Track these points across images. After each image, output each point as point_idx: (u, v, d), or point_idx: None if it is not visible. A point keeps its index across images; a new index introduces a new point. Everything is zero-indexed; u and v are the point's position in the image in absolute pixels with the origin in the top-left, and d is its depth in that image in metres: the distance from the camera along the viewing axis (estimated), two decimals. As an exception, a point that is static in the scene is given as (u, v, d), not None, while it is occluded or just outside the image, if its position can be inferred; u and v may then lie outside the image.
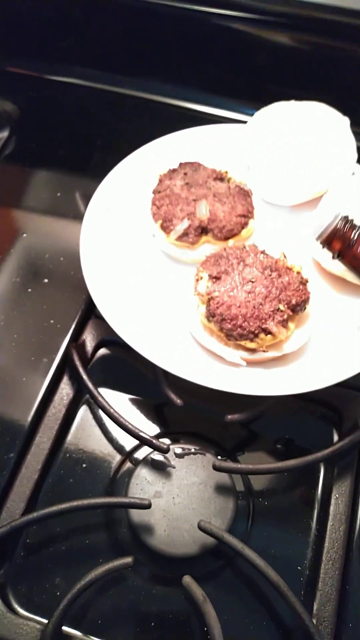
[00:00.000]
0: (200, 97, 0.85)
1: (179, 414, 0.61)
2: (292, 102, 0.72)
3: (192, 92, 0.86)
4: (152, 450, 0.56)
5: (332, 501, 0.55)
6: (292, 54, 0.79)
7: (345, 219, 0.43)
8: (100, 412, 0.60)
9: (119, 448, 0.59)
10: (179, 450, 0.57)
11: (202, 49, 0.83)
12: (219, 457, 0.57)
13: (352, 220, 0.43)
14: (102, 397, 0.57)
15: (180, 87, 0.86)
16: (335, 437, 0.60)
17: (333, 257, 0.44)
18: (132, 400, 0.63)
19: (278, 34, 0.78)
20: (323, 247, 0.45)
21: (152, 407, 0.63)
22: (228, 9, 0.78)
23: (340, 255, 0.44)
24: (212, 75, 0.85)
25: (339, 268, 0.62)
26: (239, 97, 0.84)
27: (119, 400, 0.62)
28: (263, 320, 0.55)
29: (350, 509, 0.55)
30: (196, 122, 0.77)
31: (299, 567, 0.54)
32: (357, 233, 0.42)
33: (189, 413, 0.61)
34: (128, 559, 0.49)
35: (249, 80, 0.84)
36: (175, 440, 0.59)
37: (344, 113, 0.71)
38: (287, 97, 0.75)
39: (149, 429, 0.60)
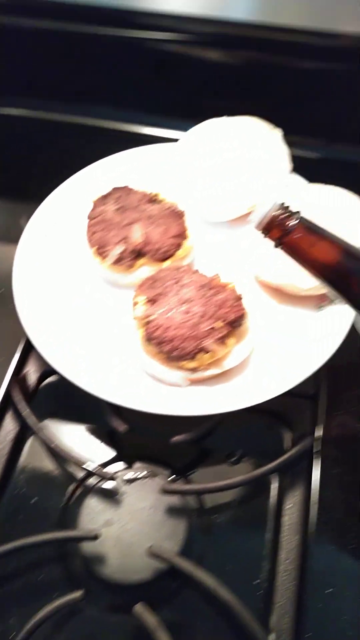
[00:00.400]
0: (135, 117, 0.86)
1: (131, 438, 0.61)
2: (224, 118, 0.73)
3: (127, 113, 0.87)
4: (100, 479, 0.56)
5: (285, 512, 0.56)
6: (223, 70, 0.81)
7: (282, 206, 0.43)
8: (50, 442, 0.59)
9: (69, 478, 0.58)
10: (128, 476, 0.57)
11: (133, 70, 0.84)
12: (171, 478, 0.57)
13: (288, 207, 0.42)
14: (43, 432, 0.57)
15: (114, 109, 0.87)
16: (287, 446, 0.61)
17: (275, 246, 0.43)
18: (84, 427, 0.62)
19: (207, 52, 0.80)
20: (264, 236, 0.44)
21: (104, 433, 0.62)
22: (157, 30, 0.80)
23: (280, 243, 0.43)
24: (145, 95, 0.86)
25: (276, 280, 0.63)
26: (174, 116, 0.85)
27: (69, 430, 0.61)
28: (200, 340, 0.55)
29: (303, 518, 0.55)
30: (133, 143, 0.78)
31: (256, 581, 0.53)
32: (295, 219, 0.42)
33: (140, 436, 0.61)
34: (77, 594, 0.48)
35: (183, 98, 0.85)
36: (128, 465, 0.59)
37: (276, 125, 0.73)
38: (221, 112, 0.76)
39: (102, 455, 0.60)
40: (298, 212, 0.42)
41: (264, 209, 0.42)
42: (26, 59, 0.86)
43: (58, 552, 0.54)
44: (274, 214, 0.42)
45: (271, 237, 0.43)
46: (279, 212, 0.42)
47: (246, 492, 0.58)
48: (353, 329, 0.59)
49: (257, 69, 0.80)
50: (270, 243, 0.43)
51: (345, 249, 0.41)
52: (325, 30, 0.71)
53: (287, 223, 0.41)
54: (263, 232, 0.43)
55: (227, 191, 0.69)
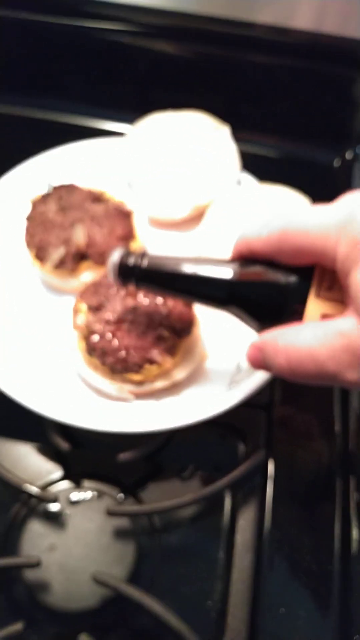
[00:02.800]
0: (79, 109, 0.82)
1: (77, 456, 0.57)
2: (169, 113, 0.69)
3: (71, 104, 0.82)
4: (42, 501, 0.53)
5: (238, 529, 0.53)
6: (171, 63, 0.78)
7: (126, 254, 0.47)
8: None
9: (11, 500, 0.54)
10: (73, 496, 0.54)
11: (78, 60, 0.80)
12: (120, 496, 0.54)
13: (130, 255, 0.47)
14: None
15: (57, 100, 0.82)
16: (241, 458, 0.58)
17: (136, 287, 0.48)
18: (27, 445, 0.58)
19: (155, 43, 0.76)
20: (122, 284, 0.48)
21: (49, 451, 0.58)
22: (104, 20, 0.75)
23: (137, 285, 0.48)
24: (90, 86, 0.82)
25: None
26: (120, 108, 0.80)
27: (11, 447, 0.57)
28: (146, 350, 0.52)
29: (257, 535, 0.53)
30: (77, 136, 0.74)
31: (209, 602, 0.51)
32: (141, 262, 0.46)
33: (86, 453, 0.58)
34: (18, 626, 0.46)
35: (129, 89, 0.81)
36: (75, 483, 0.56)
37: (225, 120, 0.70)
38: (168, 105, 0.72)
39: (47, 475, 0.56)
40: (144, 252, 0.47)
41: (111, 261, 0.47)
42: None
43: (1, 578, 0.51)
44: (123, 262, 0.47)
45: (128, 283, 0.48)
46: (128, 258, 0.47)
47: (200, 508, 0.56)
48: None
49: (206, 62, 0.77)
50: (131, 286, 0.48)
51: (191, 269, 0.45)
52: (275, 25, 0.68)
53: (138, 266, 0.46)
54: (121, 280, 0.47)
55: (174, 190, 0.66)
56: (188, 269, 0.45)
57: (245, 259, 0.43)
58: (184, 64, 0.77)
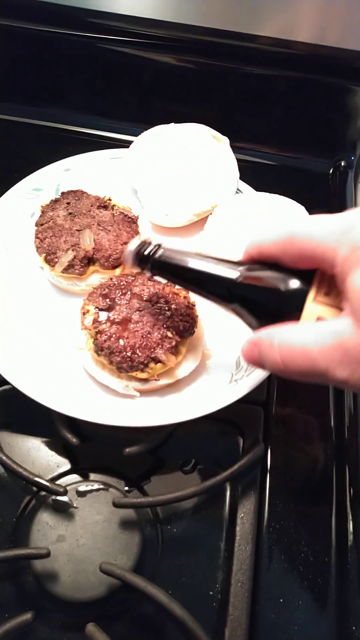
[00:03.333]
0: (88, 120, 0.85)
1: (85, 449, 0.59)
2: (172, 125, 0.72)
3: (80, 115, 0.85)
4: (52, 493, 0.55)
5: (238, 521, 0.55)
6: (173, 74, 0.80)
7: (144, 242, 0.51)
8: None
9: (22, 492, 0.57)
10: (81, 488, 0.56)
11: (87, 73, 0.83)
12: (125, 489, 0.57)
13: (149, 242, 0.51)
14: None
15: (67, 111, 0.85)
16: (240, 452, 0.61)
17: (150, 275, 0.53)
18: (37, 439, 0.60)
19: (159, 55, 0.79)
20: (140, 271, 0.52)
21: (58, 445, 0.60)
22: (110, 32, 0.78)
23: (152, 273, 0.51)
24: (100, 98, 0.85)
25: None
26: (126, 119, 0.84)
27: (22, 441, 0.60)
28: (151, 350, 0.54)
29: (256, 527, 0.55)
30: (84, 145, 0.77)
31: (210, 592, 0.53)
32: (157, 252, 0.50)
33: (95, 447, 0.60)
34: (27, 616, 0.47)
35: (136, 101, 0.84)
36: (83, 476, 0.58)
37: (225, 131, 0.73)
38: (172, 116, 0.75)
39: (56, 467, 0.58)
40: (159, 243, 0.50)
41: (129, 248, 0.50)
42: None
43: (10, 569, 0.53)
44: (140, 249, 0.51)
45: (143, 269, 0.51)
46: (145, 246, 0.51)
47: (200, 501, 0.58)
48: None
49: (206, 73, 0.79)
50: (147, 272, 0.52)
51: (200, 265, 0.48)
52: (272, 37, 0.71)
53: (152, 255, 0.50)
54: (138, 266, 0.51)
55: (176, 198, 0.68)
56: (197, 265, 0.48)
57: (253, 261, 0.46)
58: (185, 75, 0.80)
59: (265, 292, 0.44)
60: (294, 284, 0.42)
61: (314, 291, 0.42)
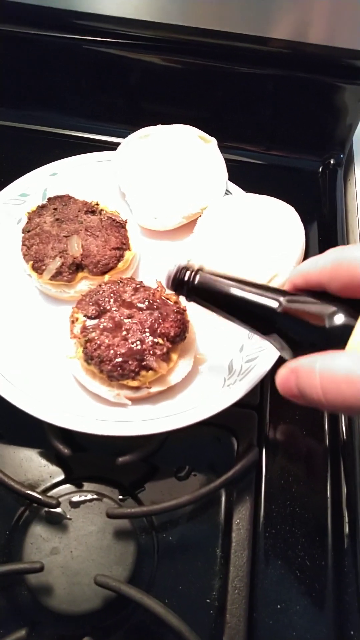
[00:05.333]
0: (75, 123, 0.84)
1: (78, 459, 0.59)
2: (159, 127, 0.71)
3: (66, 117, 0.84)
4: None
5: (234, 527, 0.55)
6: (161, 74, 0.79)
7: (184, 266, 0.48)
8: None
9: (15, 503, 0.56)
10: (75, 499, 0.55)
11: (73, 74, 0.81)
12: (119, 498, 0.56)
13: (189, 267, 0.48)
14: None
15: (53, 113, 0.84)
16: (235, 457, 0.60)
17: (187, 300, 0.49)
18: (29, 450, 0.59)
19: (147, 56, 0.78)
20: (176, 294, 0.51)
21: (50, 455, 0.60)
22: (98, 33, 0.77)
23: (189, 298, 0.48)
24: (86, 100, 0.84)
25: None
26: (112, 121, 0.82)
27: (13, 452, 0.59)
28: (143, 357, 0.54)
29: (252, 532, 0.55)
30: (72, 147, 0.76)
31: (207, 600, 0.53)
32: (196, 276, 0.47)
33: (88, 456, 0.59)
34: (21, 632, 0.47)
35: (123, 102, 0.83)
36: (77, 486, 0.57)
37: (212, 131, 0.72)
38: (159, 117, 0.74)
39: (49, 478, 0.58)
40: (199, 268, 0.48)
41: (170, 271, 0.48)
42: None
43: (3, 583, 0.52)
44: (178, 275, 0.48)
45: (180, 294, 0.49)
46: (182, 272, 0.48)
47: (196, 507, 0.57)
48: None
49: (193, 73, 0.78)
50: (183, 297, 0.49)
51: (239, 293, 0.45)
52: (259, 35, 0.70)
53: (189, 282, 0.47)
54: (174, 291, 0.49)
55: (166, 200, 0.67)
56: (237, 292, 0.45)
57: (298, 291, 0.43)
58: (172, 75, 0.79)
59: (307, 325, 0.41)
60: (339, 317, 0.39)
61: None
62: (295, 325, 0.42)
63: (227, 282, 0.46)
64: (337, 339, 0.39)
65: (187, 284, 0.47)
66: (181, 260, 0.49)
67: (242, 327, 0.47)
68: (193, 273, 0.47)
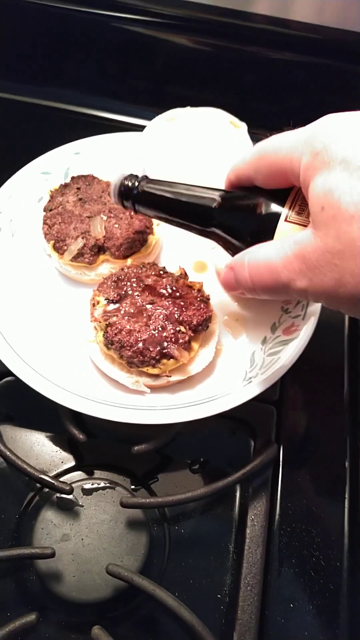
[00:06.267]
0: (100, 103, 0.82)
1: (91, 446, 0.58)
2: (188, 109, 0.69)
3: (91, 98, 0.82)
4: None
5: (248, 522, 0.54)
6: (188, 56, 0.77)
7: (128, 176, 0.50)
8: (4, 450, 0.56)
9: (26, 487, 0.55)
10: (87, 486, 0.54)
11: (100, 53, 0.79)
12: (132, 487, 0.55)
13: (133, 176, 0.50)
14: (-2, 440, 0.53)
15: (79, 93, 0.82)
16: (251, 452, 0.59)
17: (134, 212, 0.52)
18: (42, 434, 0.58)
19: (176, 37, 0.76)
20: (123, 206, 0.52)
21: (64, 440, 0.58)
22: (125, 12, 0.75)
23: (134, 209, 0.51)
24: (111, 80, 0.82)
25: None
26: (139, 102, 0.81)
27: (26, 436, 0.58)
28: (164, 345, 0.52)
29: (267, 530, 0.53)
30: (96, 128, 0.74)
31: (218, 595, 0.52)
32: (140, 185, 0.49)
33: (101, 444, 0.58)
34: (31, 617, 0.46)
35: (150, 83, 0.81)
36: (89, 473, 0.56)
37: (243, 115, 0.70)
38: (186, 100, 0.72)
39: (61, 464, 0.56)
40: (144, 177, 0.50)
41: (115, 181, 0.50)
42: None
43: (13, 568, 0.51)
44: (124, 183, 0.50)
45: (126, 204, 0.51)
46: (128, 179, 0.50)
47: (209, 502, 0.56)
48: (316, 333, 0.57)
49: (222, 56, 0.76)
50: (131, 210, 0.52)
51: (181, 197, 0.49)
52: (299, 21, 0.68)
53: (133, 190, 0.50)
54: (119, 203, 0.50)
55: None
56: (178, 195, 0.49)
57: (233, 187, 0.47)
58: (201, 57, 0.77)
59: (240, 216, 0.45)
60: (267, 205, 0.43)
61: (287, 210, 0.42)
62: (229, 220, 0.47)
63: (169, 187, 0.49)
64: (267, 229, 0.43)
65: (132, 192, 0.50)
66: (124, 171, 0.50)
67: (188, 229, 0.50)
68: (139, 180, 0.50)
